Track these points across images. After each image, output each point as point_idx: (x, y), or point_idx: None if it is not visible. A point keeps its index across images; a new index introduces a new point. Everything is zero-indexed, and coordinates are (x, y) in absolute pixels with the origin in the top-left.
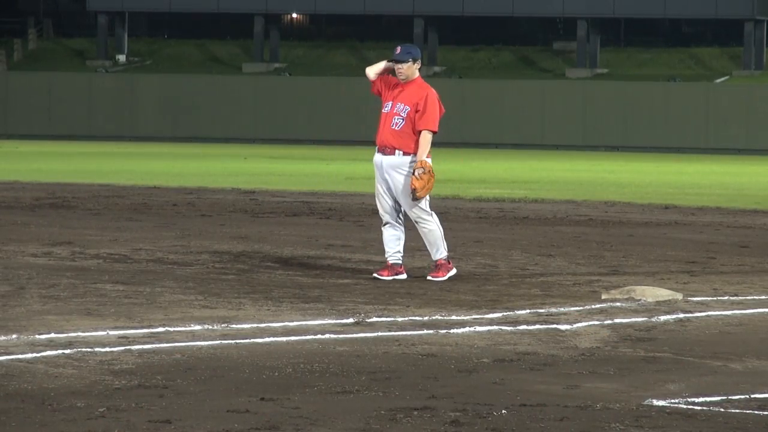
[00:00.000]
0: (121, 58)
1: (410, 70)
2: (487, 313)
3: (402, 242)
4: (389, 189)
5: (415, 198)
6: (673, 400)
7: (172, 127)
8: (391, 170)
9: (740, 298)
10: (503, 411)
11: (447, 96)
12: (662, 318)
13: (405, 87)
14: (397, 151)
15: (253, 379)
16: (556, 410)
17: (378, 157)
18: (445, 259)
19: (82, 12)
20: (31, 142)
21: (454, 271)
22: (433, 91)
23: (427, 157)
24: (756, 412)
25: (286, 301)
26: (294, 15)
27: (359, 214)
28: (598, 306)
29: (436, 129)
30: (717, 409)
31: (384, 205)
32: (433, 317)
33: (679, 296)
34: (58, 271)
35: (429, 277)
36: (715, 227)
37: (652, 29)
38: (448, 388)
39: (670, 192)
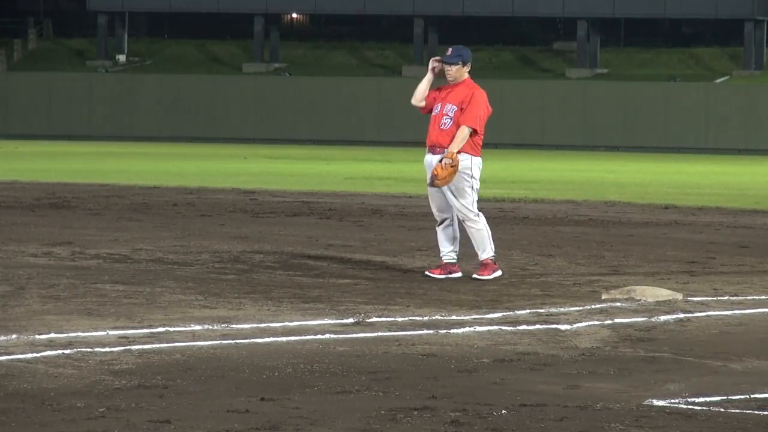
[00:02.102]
0: (121, 58)
1: (459, 72)
2: (487, 313)
3: (457, 242)
4: (441, 187)
5: (432, 184)
6: (673, 400)
7: (172, 127)
8: None
9: (740, 298)
10: (503, 411)
11: None
12: (662, 318)
13: (454, 88)
14: (446, 150)
15: (253, 379)
16: (556, 410)
17: (429, 157)
18: (491, 259)
19: (82, 12)
20: (31, 142)
21: (499, 272)
22: (481, 90)
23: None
24: (756, 412)
25: (286, 301)
26: (294, 15)
27: (359, 214)
28: (598, 306)
29: (476, 127)
30: (717, 409)
31: (439, 203)
32: (433, 317)
33: (679, 296)
34: (58, 271)
35: (475, 276)
36: (715, 227)
37: (652, 29)
38: (448, 388)
39: (670, 192)
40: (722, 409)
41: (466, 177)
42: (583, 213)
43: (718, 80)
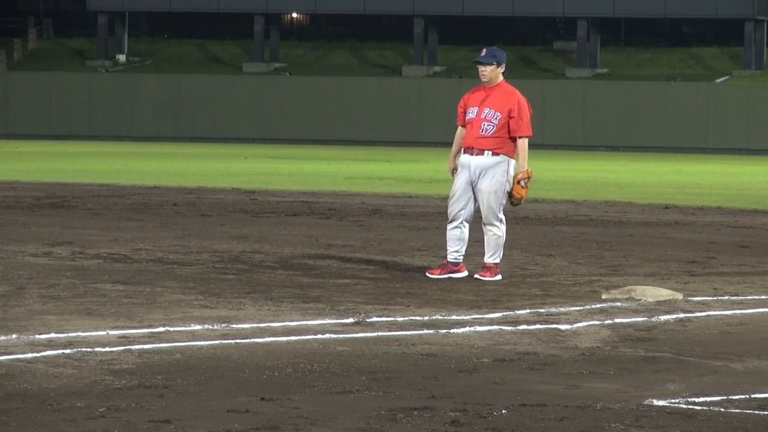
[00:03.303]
0: (121, 58)
1: (493, 73)
2: (487, 313)
3: (465, 244)
4: (473, 188)
5: (514, 204)
6: (673, 400)
7: (172, 127)
8: (479, 169)
9: (740, 298)
10: (503, 411)
11: (447, 96)
12: (662, 318)
13: (490, 91)
14: (486, 152)
15: (253, 379)
16: (556, 410)
17: (466, 158)
18: (496, 265)
19: (82, 12)
20: (31, 142)
21: (500, 277)
22: (521, 94)
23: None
24: (756, 412)
25: (286, 301)
26: (294, 15)
27: (359, 214)
28: (598, 306)
29: (531, 133)
30: (717, 409)
31: (462, 207)
32: (433, 317)
33: (679, 296)
34: (58, 271)
35: (476, 276)
36: (715, 227)
37: (652, 29)
38: (448, 388)
39: (670, 192)
40: (722, 409)
41: (503, 180)
42: (583, 213)
43: (718, 80)
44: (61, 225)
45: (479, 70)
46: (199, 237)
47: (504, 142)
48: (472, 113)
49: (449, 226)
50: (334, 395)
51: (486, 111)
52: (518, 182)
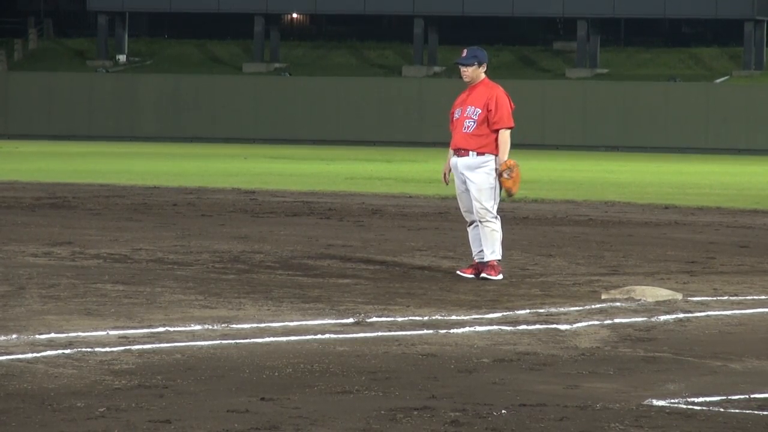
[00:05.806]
0: (121, 58)
1: (475, 73)
2: (487, 313)
3: None
4: (468, 189)
5: (511, 195)
6: (673, 400)
7: (172, 127)
8: (466, 170)
9: (740, 298)
10: (503, 411)
11: (447, 96)
12: (662, 318)
13: (472, 90)
14: (471, 152)
15: (253, 379)
16: (556, 410)
17: (454, 160)
18: (497, 262)
19: (82, 12)
20: (31, 142)
21: (501, 276)
22: (501, 89)
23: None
24: (756, 412)
25: (286, 301)
26: (294, 15)
27: (359, 214)
28: (598, 306)
29: (512, 124)
30: (717, 409)
31: (466, 204)
32: (433, 317)
33: (679, 296)
34: (58, 271)
35: (483, 275)
36: (715, 227)
37: (652, 29)
38: (448, 388)
39: (670, 192)
40: (722, 409)
41: (491, 178)
42: (583, 213)
43: (718, 80)
44: (61, 225)
45: (461, 70)
46: (199, 237)
47: (488, 139)
48: (457, 114)
49: (469, 229)
50: (334, 395)
51: (468, 109)
52: (501, 174)
